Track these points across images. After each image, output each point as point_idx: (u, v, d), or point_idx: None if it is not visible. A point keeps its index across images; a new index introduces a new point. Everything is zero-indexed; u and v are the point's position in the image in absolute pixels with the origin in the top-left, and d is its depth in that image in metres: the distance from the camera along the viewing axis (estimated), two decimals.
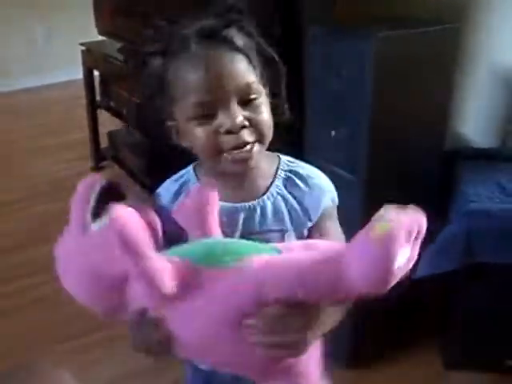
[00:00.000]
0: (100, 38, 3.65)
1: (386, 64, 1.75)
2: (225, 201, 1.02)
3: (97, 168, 3.73)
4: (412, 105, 1.86)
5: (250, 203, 1.03)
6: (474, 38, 2.22)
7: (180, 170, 1.13)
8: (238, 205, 1.03)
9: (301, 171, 1.07)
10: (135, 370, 2.13)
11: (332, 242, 0.99)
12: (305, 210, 1.05)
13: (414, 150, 1.91)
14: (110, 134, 3.70)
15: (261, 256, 0.86)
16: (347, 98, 1.82)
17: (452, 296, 2.09)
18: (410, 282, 1.98)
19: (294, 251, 0.90)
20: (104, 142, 3.74)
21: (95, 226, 0.89)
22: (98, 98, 3.70)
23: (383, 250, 0.75)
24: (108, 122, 3.71)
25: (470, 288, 2.01)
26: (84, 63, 3.62)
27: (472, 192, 1.94)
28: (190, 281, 0.83)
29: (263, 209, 1.03)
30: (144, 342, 0.91)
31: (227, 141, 0.95)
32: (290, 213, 1.05)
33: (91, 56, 3.57)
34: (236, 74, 0.94)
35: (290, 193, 1.05)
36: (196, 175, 1.08)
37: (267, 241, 0.99)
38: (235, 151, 0.96)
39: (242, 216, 1.02)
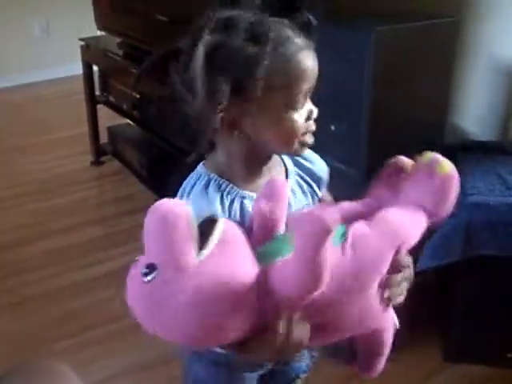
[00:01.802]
0: (99, 33, 3.65)
1: (386, 58, 1.75)
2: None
3: (97, 163, 3.74)
4: (412, 98, 1.86)
5: None
6: (473, 31, 2.22)
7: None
8: None
9: None
10: (132, 367, 2.13)
11: None
12: (317, 182, 1.18)
13: (413, 142, 1.90)
14: (110, 129, 3.70)
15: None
16: (347, 93, 1.82)
17: (452, 288, 2.09)
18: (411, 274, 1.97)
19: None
20: (104, 138, 3.74)
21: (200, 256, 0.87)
22: (97, 93, 3.70)
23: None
24: (107, 118, 3.72)
25: (471, 280, 2.01)
26: (83, 58, 3.61)
27: (472, 185, 1.94)
28: None
29: (292, 190, 1.12)
30: (280, 349, 0.94)
31: (311, 126, 1.06)
32: (308, 187, 1.16)
33: (90, 51, 3.57)
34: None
35: (302, 170, 1.16)
36: (215, 179, 1.06)
37: None
38: (308, 136, 1.06)
39: None
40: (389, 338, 1.11)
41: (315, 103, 1.08)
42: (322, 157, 1.22)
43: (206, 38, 0.96)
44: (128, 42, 3.29)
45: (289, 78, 0.99)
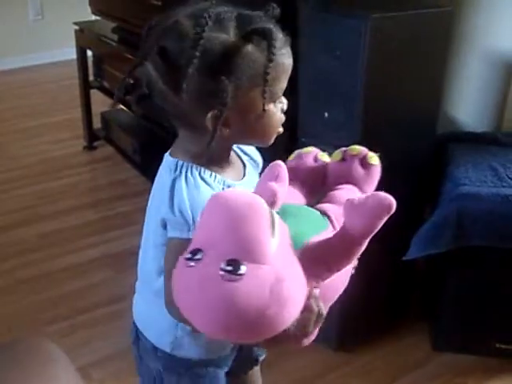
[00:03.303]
0: (94, 17, 3.64)
1: (381, 46, 1.75)
2: (238, 180, 1.12)
3: (90, 148, 3.73)
4: (406, 87, 1.86)
5: (247, 175, 1.15)
6: (469, 22, 2.21)
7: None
8: (244, 179, 1.14)
9: None
10: (123, 350, 2.13)
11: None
12: (256, 165, 1.21)
13: (407, 132, 1.91)
14: (103, 115, 3.69)
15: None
16: (341, 80, 1.82)
17: (442, 278, 2.10)
18: (400, 264, 1.99)
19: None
20: (97, 123, 3.73)
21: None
22: (91, 78, 3.68)
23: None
24: (101, 103, 3.71)
25: (460, 270, 2.02)
26: (77, 43, 3.59)
27: (463, 175, 1.95)
28: None
29: (251, 173, 1.17)
30: (305, 327, 0.95)
31: (283, 118, 1.08)
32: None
33: (85, 36, 3.55)
34: None
35: (246, 154, 1.19)
36: (202, 169, 1.06)
37: None
38: (280, 127, 1.09)
39: (251, 183, 1.11)
40: None
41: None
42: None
43: (206, 37, 0.95)
44: (123, 26, 3.27)
45: (275, 75, 1.00)
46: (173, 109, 1.03)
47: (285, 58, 1.02)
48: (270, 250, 0.81)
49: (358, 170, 1.13)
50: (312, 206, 1.07)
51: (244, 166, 1.17)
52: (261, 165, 1.21)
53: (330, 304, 1.03)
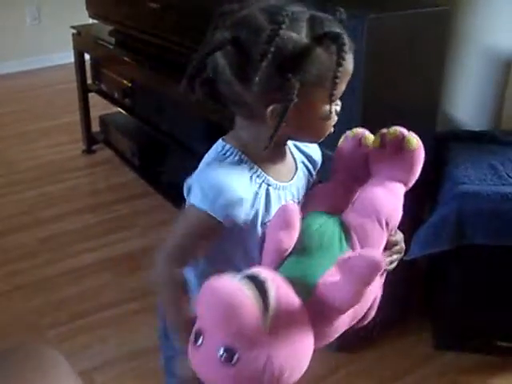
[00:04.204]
0: (91, 21, 3.63)
1: (378, 45, 1.74)
2: (284, 181, 1.13)
3: (88, 151, 3.72)
4: (404, 87, 1.86)
5: (295, 178, 1.16)
6: (466, 21, 2.22)
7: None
8: (291, 182, 1.15)
9: None
10: (123, 355, 2.14)
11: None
12: (313, 164, 1.22)
13: None
14: (102, 118, 3.69)
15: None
16: None
17: (443, 277, 2.10)
18: (402, 263, 1.99)
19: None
20: (95, 126, 3.73)
21: None
22: (89, 81, 3.68)
23: None
24: (100, 106, 3.70)
25: (462, 269, 2.02)
26: (75, 46, 3.59)
27: (463, 174, 1.95)
28: None
29: (299, 177, 1.17)
30: None
31: (336, 118, 1.10)
32: (306, 170, 1.20)
33: (82, 39, 3.55)
34: None
35: (301, 153, 1.20)
36: (246, 159, 1.09)
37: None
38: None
39: (297, 188, 1.16)
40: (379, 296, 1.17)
41: None
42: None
43: (281, 34, 0.96)
44: (120, 29, 3.27)
45: (340, 75, 1.01)
46: (235, 97, 1.04)
47: (349, 64, 1.03)
48: (261, 333, 0.86)
49: (394, 157, 1.10)
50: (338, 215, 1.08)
51: (296, 168, 1.18)
52: (319, 162, 1.23)
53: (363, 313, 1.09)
